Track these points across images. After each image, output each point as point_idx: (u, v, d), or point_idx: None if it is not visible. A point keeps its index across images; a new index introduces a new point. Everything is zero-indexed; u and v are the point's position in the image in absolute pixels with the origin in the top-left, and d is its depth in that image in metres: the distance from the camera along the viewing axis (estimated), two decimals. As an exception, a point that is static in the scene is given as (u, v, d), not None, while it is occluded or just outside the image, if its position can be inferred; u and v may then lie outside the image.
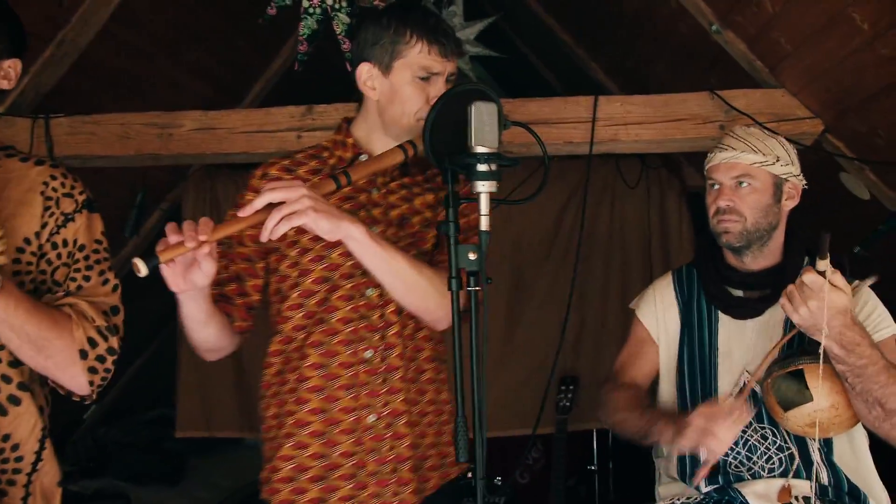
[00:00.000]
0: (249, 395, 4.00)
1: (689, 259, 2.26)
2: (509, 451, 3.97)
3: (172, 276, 1.48)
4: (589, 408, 3.61)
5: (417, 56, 1.77)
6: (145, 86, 3.19)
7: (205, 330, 1.68)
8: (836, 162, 2.60)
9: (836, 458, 1.94)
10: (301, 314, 1.78)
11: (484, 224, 1.51)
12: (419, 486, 1.81)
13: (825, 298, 1.65)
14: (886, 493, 1.98)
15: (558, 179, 3.90)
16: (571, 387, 3.62)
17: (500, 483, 3.78)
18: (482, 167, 1.50)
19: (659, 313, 2.16)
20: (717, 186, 2.03)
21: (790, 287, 1.72)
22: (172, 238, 1.45)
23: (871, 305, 2.00)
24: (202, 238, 1.46)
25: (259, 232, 1.51)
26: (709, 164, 2.06)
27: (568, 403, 3.56)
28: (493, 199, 1.52)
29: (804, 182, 2.05)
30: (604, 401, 2.08)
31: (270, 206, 1.51)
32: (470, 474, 1.49)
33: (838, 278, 1.66)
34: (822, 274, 1.67)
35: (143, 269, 1.40)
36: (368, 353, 1.76)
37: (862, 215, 2.77)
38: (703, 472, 1.80)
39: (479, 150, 1.51)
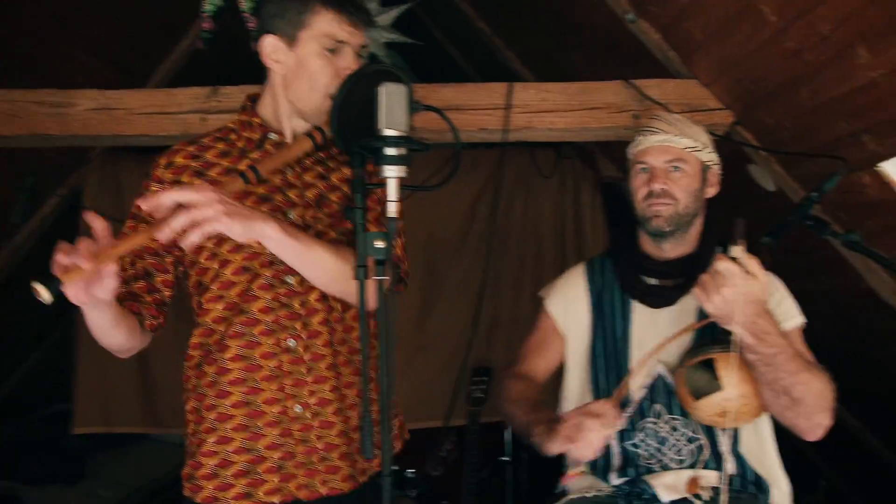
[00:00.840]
0: (153, 389, 3.86)
1: (603, 250, 2.26)
2: (422, 443, 3.92)
3: (73, 291, 1.40)
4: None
5: (325, 25, 1.69)
6: (38, 62, 3.01)
7: (113, 334, 1.61)
8: (745, 153, 2.63)
9: (743, 448, 1.96)
10: (222, 305, 1.73)
11: (392, 211, 1.46)
12: (352, 472, 1.77)
13: (739, 286, 1.64)
14: (788, 481, 2.01)
15: (472, 169, 3.87)
16: (485, 378, 3.59)
17: (412, 476, 3.73)
18: (391, 151, 1.46)
19: (569, 304, 2.14)
20: (647, 170, 2.01)
21: (703, 276, 1.71)
22: (66, 260, 1.38)
23: (779, 295, 2.02)
24: (100, 262, 1.40)
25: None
26: (638, 148, 2.05)
27: (481, 395, 3.53)
28: (403, 185, 1.48)
29: (721, 173, 2.07)
30: (501, 390, 2.07)
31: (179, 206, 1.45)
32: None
33: (753, 265, 1.65)
34: (736, 261, 1.66)
35: (45, 295, 1.33)
36: (291, 343, 1.72)
37: (768, 207, 2.81)
38: (572, 474, 1.80)
39: (389, 133, 1.46)
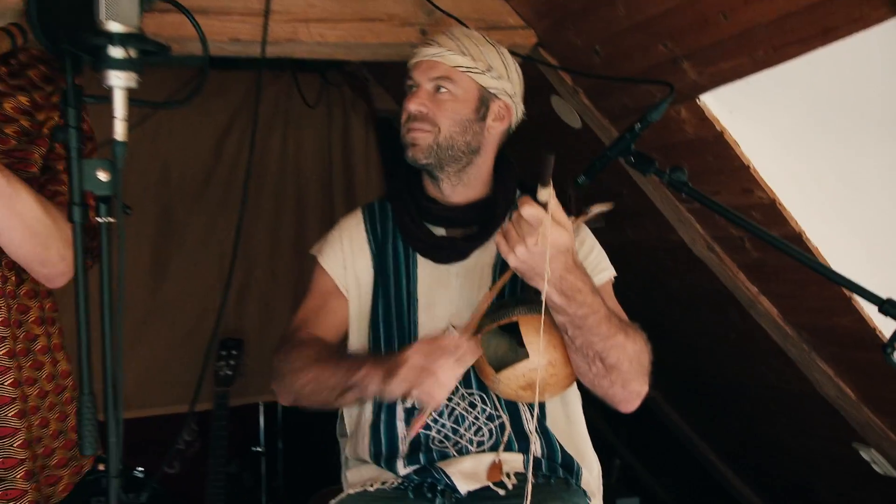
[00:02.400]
0: None
1: (378, 196, 2.23)
2: (155, 434, 3.71)
3: None
4: (256, 377, 3.61)
5: None
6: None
7: None
8: (549, 84, 2.64)
9: (550, 425, 1.97)
10: None
11: (120, 132, 1.36)
12: (41, 495, 1.63)
13: (547, 236, 1.61)
14: (598, 460, 2.06)
15: (218, 96, 3.71)
16: (234, 352, 3.50)
17: (141, 476, 3.54)
18: (117, 52, 1.33)
19: (347, 260, 2.08)
20: (414, 88, 1.98)
21: (505, 224, 1.67)
22: None
23: (588, 244, 2.04)
24: None
25: None
26: (410, 62, 2.01)
27: (230, 372, 3.46)
28: (134, 99, 1.36)
29: (523, 110, 2.04)
30: (281, 364, 1.95)
31: None
32: (102, 466, 1.39)
33: (560, 212, 1.63)
34: (544, 206, 1.62)
35: None
36: None
37: (574, 147, 2.87)
38: (419, 421, 1.77)
39: (113, 27, 1.32)
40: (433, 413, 1.91)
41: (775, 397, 3.26)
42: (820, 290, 2.45)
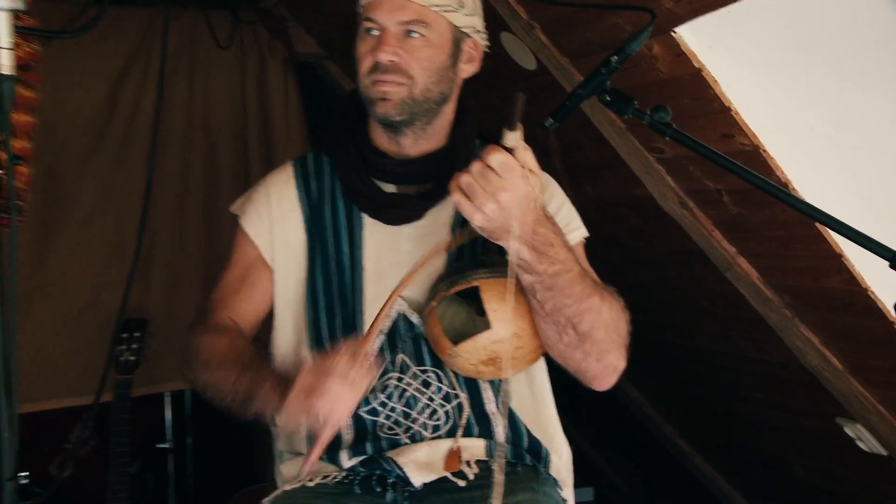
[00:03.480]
0: None
1: (301, 152, 2.18)
2: (42, 432, 3.67)
3: None
4: (161, 363, 3.56)
5: None
6: None
7: None
8: (500, 19, 2.60)
9: (515, 406, 1.95)
10: None
11: (6, 64, 1.36)
12: None
13: (518, 188, 1.56)
14: (567, 444, 2.05)
15: (112, 36, 3.62)
16: (136, 334, 3.43)
17: (26, 482, 3.46)
18: None
19: (275, 222, 2.04)
20: (375, 32, 1.89)
21: (465, 178, 1.60)
22: None
23: (558, 200, 2.02)
24: None
25: None
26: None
27: (133, 358, 3.39)
28: (22, 28, 1.40)
29: (486, 43, 2.00)
30: (191, 350, 1.92)
31: None
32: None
33: (529, 157, 1.58)
34: (512, 152, 1.56)
35: None
36: None
37: (526, 92, 2.82)
38: (312, 454, 1.68)
39: None
40: (381, 396, 1.89)
41: (753, 370, 3.29)
42: (806, 249, 2.46)
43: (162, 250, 3.75)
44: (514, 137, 1.56)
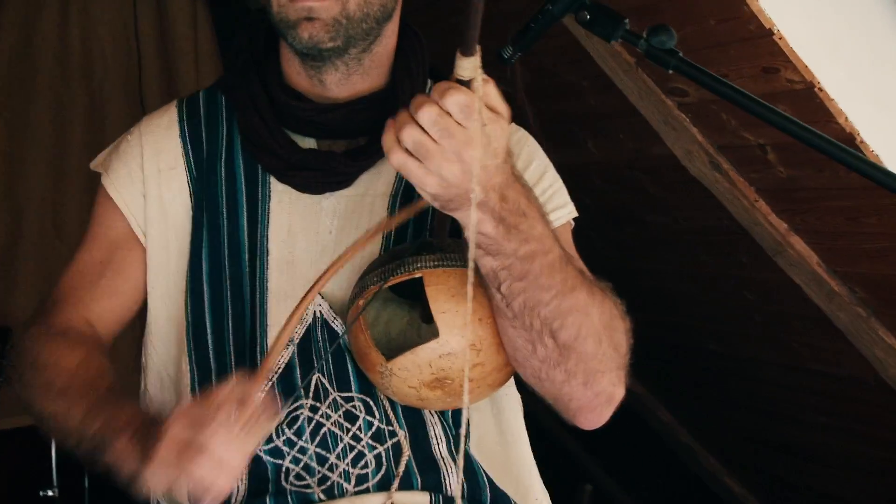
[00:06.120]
0: None
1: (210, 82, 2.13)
2: None
3: None
4: None
5: None
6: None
7: None
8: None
9: (475, 446, 1.90)
10: None
11: None
12: None
13: (479, 134, 1.44)
14: (547, 494, 2.01)
15: None
16: None
17: None
18: None
19: (150, 182, 1.98)
20: None
21: (411, 132, 1.47)
22: None
23: (538, 165, 1.96)
24: None
25: None
26: None
27: None
28: None
29: None
30: (25, 361, 1.87)
31: None
32: None
33: (492, 91, 1.46)
34: (468, 84, 1.44)
35: None
36: None
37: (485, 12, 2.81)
38: None
39: None
40: (288, 432, 1.82)
41: (813, 386, 3.29)
42: (882, 223, 2.45)
43: (30, 233, 3.78)
44: (470, 65, 1.43)
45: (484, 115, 1.43)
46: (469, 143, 1.43)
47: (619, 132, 2.94)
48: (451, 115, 1.41)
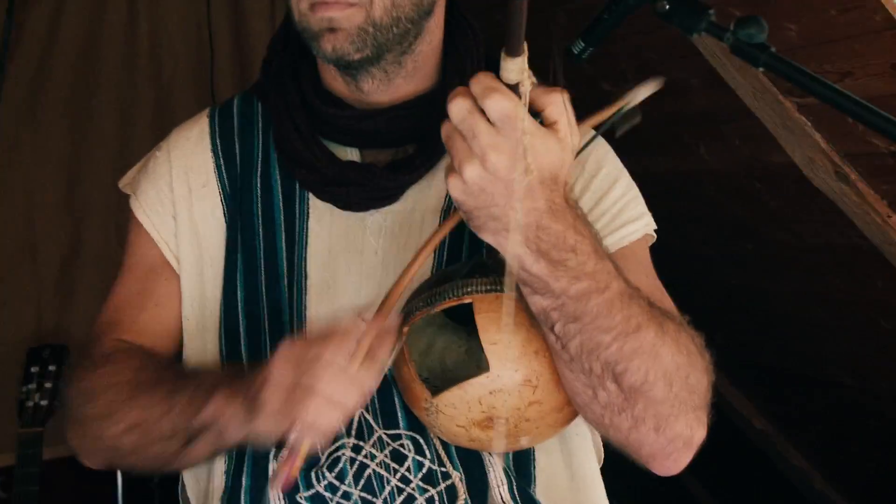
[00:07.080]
0: None
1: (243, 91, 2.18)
2: None
3: None
4: None
5: None
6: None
7: None
8: None
9: (541, 492, 1.86)
10: None
11: None
12: None
13: (526, 145, 1.41)
14: None
15: None
16: (51, 367, 3.51)
17: None
18: None
19: (180, 203, 2.01)
20: None
21: (446, 126, 1.46)
22: None
23: (608, 174, 1.92)
24: None
25: None
26: None
27: (44, 402, 3.44)
28: None
29: None
30: (77, 402, 1.88)
31: None
32: None
33: (552, 101, 1.44)
34: (515, 89, 1.41)
35: None
36: None
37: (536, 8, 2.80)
38: (286, 467, 1.60)
39: None
40: (329, 475, 1.81)
41: None
42: None
43: (90, 247, 3.80)
44: (516, 67, 1.41)
45: (526, 124, 1.40)
46: (493, 147, 1.39)
47: (734, 137, 2.91)
48: (488, 112, 1.39)
